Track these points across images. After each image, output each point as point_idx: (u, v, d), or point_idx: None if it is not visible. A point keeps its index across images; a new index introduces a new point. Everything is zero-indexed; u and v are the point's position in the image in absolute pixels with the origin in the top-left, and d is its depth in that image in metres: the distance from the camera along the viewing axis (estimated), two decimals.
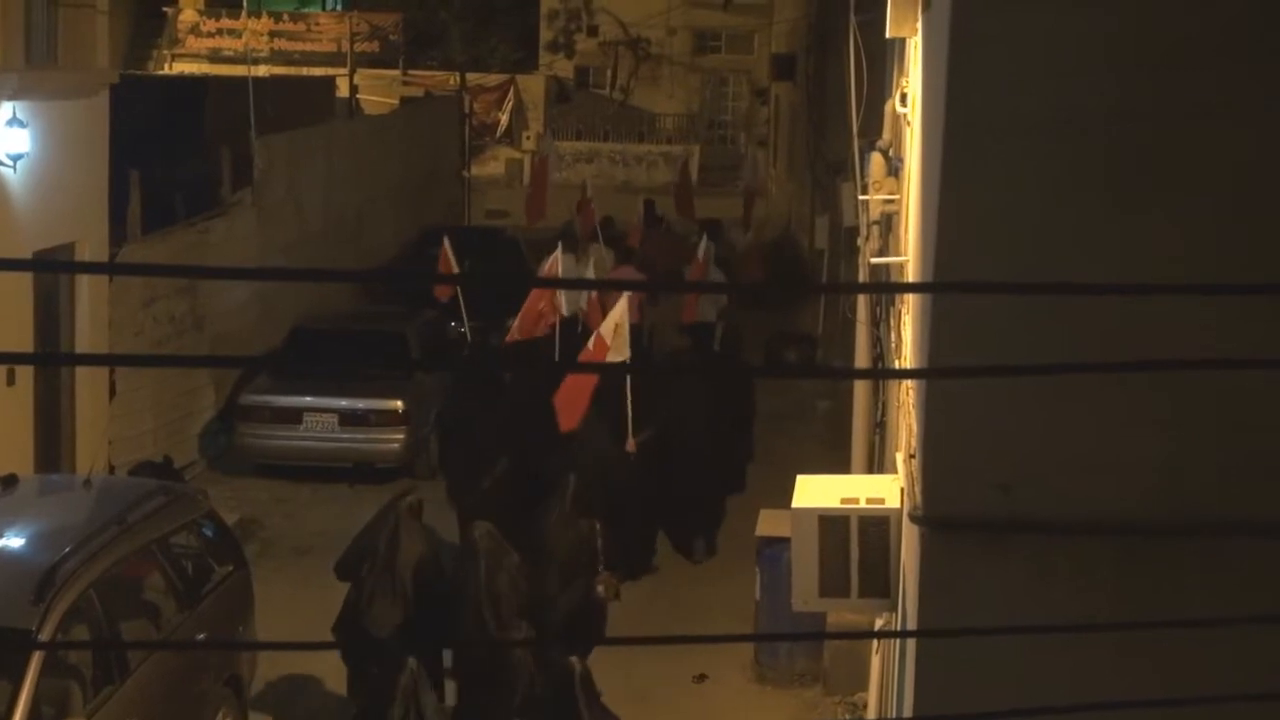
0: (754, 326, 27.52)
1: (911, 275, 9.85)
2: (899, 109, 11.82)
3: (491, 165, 53.93)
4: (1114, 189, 6.48)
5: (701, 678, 15.92)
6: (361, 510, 17.05)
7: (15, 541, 12.53)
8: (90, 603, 11.74)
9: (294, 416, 22.01)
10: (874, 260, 12.82)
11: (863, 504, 9.32)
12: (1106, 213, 6.49)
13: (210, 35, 50.72)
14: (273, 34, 50.54)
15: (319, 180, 29.62)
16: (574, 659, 12.73)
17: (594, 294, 21.83)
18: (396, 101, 48.21)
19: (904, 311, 10.51)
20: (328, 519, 20.30)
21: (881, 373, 14.24)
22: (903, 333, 10.52)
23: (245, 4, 40.58)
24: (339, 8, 55.04)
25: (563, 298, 21.43)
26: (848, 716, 15.24)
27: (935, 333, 6.72)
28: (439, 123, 41.45)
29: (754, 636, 16.40)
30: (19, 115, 17.91)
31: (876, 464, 14.18)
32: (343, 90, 44.33)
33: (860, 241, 14.09)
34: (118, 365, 20.68)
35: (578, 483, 15.75)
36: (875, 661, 13.40)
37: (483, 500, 17.51)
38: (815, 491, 9.64)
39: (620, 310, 18.06)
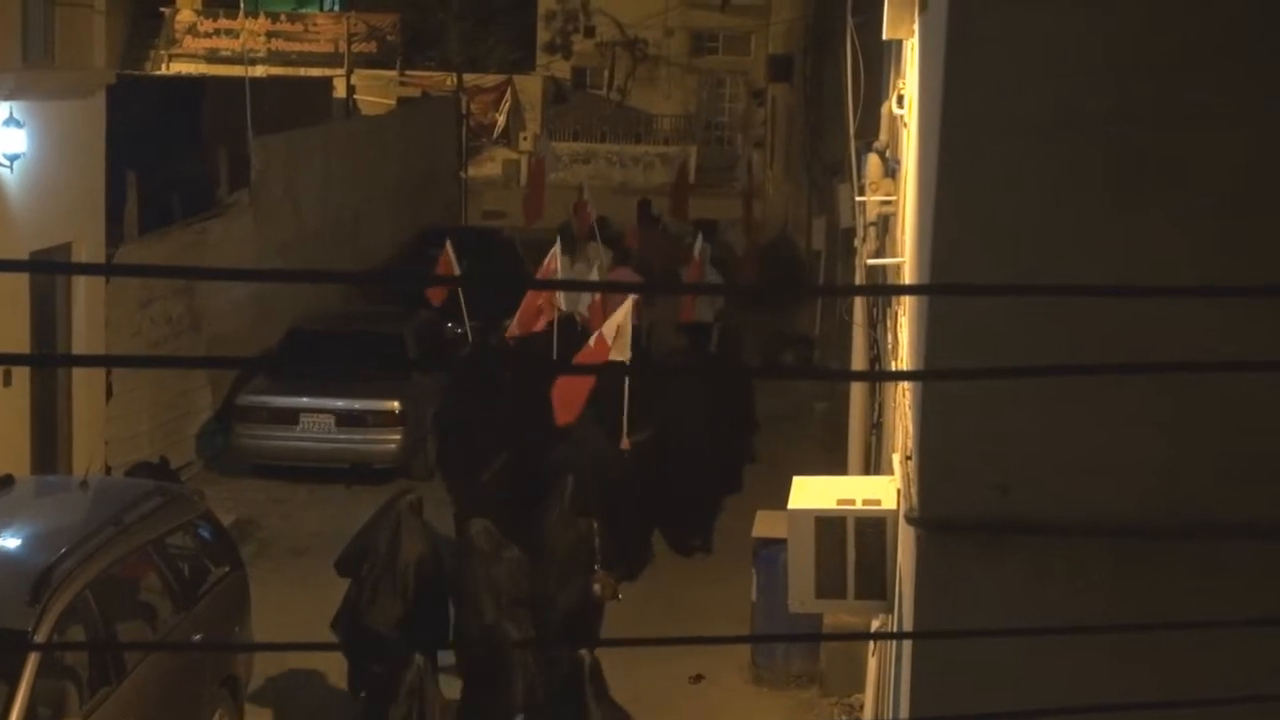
0: (751, 328, 27.53)
1: (908, 277, 9.85)
2: (896, 110, 11.83)
3: (489, 166, 53.91)
4: (1112, 190, 6.48)
5: (698, 678, 15.92)
6: (358, 511, 17.05)
7: (11, 542, 12.53)
8: (86, 604, 11.74)
9: (291, 417, 22.01)
10: (871, 261, 12.83)
11: (859, 505, 9.32)
12: (1104, 214, 6.49)
13: (207, 35, 50.70)
14: (270, 34, 50.54)
15: (316, 181, 29.62)
16: (583, 652, 12.85)
17: (597, 295, 21.85)
18: (394, 102, 48.19)
19: (901, 313, 10.51)
20: (324, 519, 20.30)
21: (879, 375, 14.24)
22: (899, 334, 10.52)
23: (242, 4, 40.59)
24: (336, 8, 55.02)
25: (561, 294, 21.47)
26: (844, 718, 15.24)
27: (932, 334, 6.71)
28: (436, 123, 41.45)
29: (750, 638, 16.40)
30: (15, 115, 17.89)
31: (873, 465, 14.18)
32: (340, 91, 44.31)
33: (857, 243, 14.09)
34: (114, 366, 20.65)
35: (576, 482, 15.78)
36: (872, 663, 13.40)
37: (481, 497, 17.55)
38: (812, 493, 9.64)
39: (624, 312, 18.13)
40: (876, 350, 13.63)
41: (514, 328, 21.25)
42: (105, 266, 17.62)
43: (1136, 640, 6.37)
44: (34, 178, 18.38)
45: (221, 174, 26.18)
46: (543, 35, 60.37)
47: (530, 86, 57.64)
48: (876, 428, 14.22)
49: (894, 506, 9.08)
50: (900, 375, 10.35)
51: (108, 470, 19.50)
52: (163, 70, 48.58)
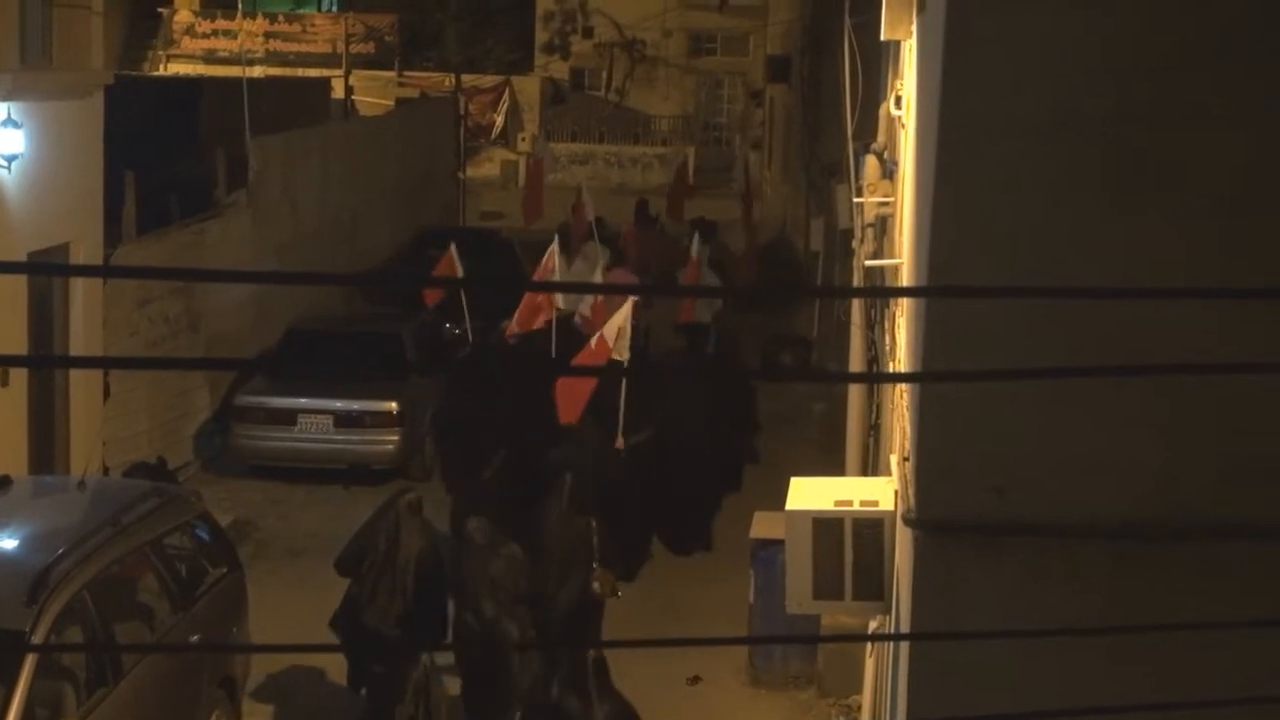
0: (749, 329, 27.52)
1: (906, 278, 9.85)
2: (894, 112, 11.82)
3: (487, 167, 53.92)
4: (1110, 191, 6.47)
5: (695, 680, 15.93)
6: (356, 512, 17.06)
7: (9, 543, 12.53)
8: (84, 604, 11.73)
9: (288, 418, 22.01)
10: (869, 263, 12.82)
11: (857, 506, 9.31)
12: (1102, 215, 6.48)
13: (205, 36, 50.70)
14: (268, 35, 50.55)
15: (314, 181, 29.62)
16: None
17: (598, 296, 21.89)
18: (392, 103, 48.19)
19: (899, 314, 10.50)
20: (322, 520, 20.30)
21: (875, 377, 14.24)
22: (897, 335, 10.52)
23: (240, 5, 40.56)
24: (334, 9, 55.01)
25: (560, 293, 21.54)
26: (842, 719, 15.24)
27: (929, 336, 6.71)
28: (434, 124, 41.46)
29: (748, 640, 16.41)
30: (13, 116, 17.89)
31: (871, 466, 14.18)
32: (338, 91, 44.32)
33: (855, 244, 14.09)
34: (112, 368, 20.65)
35: (574, 480, 15.82)
36: (869, 664, 13.40)
37: (480, 496, 17.58)
38: (809, 494, 9.64)
39: (624, 314, 18.19)
40: (874, 351, 13.63)
41: (513, 326, 21.32)
42: (102, 268, 17.61)
43: (1133, 642, 6.37)
44: (32, 178, 18.38)
45: (219, 174, 26.18)
46: (541, 36, 60.38)
47: (528, 87, 57.66)
48: (874, 429, 14.23)
49: (892, 508, 9.08)
50: (897, 377, 10.35)
51: (105, 471, 19.49)
52: (160, 71, 48.59)
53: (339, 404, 21.96)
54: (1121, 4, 6.43)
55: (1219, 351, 6.33)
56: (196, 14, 51.63)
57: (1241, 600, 6.49)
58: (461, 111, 44.42)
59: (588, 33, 60.09)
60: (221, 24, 49.96)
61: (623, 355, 17.78)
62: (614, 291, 17.62)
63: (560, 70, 60.43)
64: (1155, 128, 6.43)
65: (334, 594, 14.99)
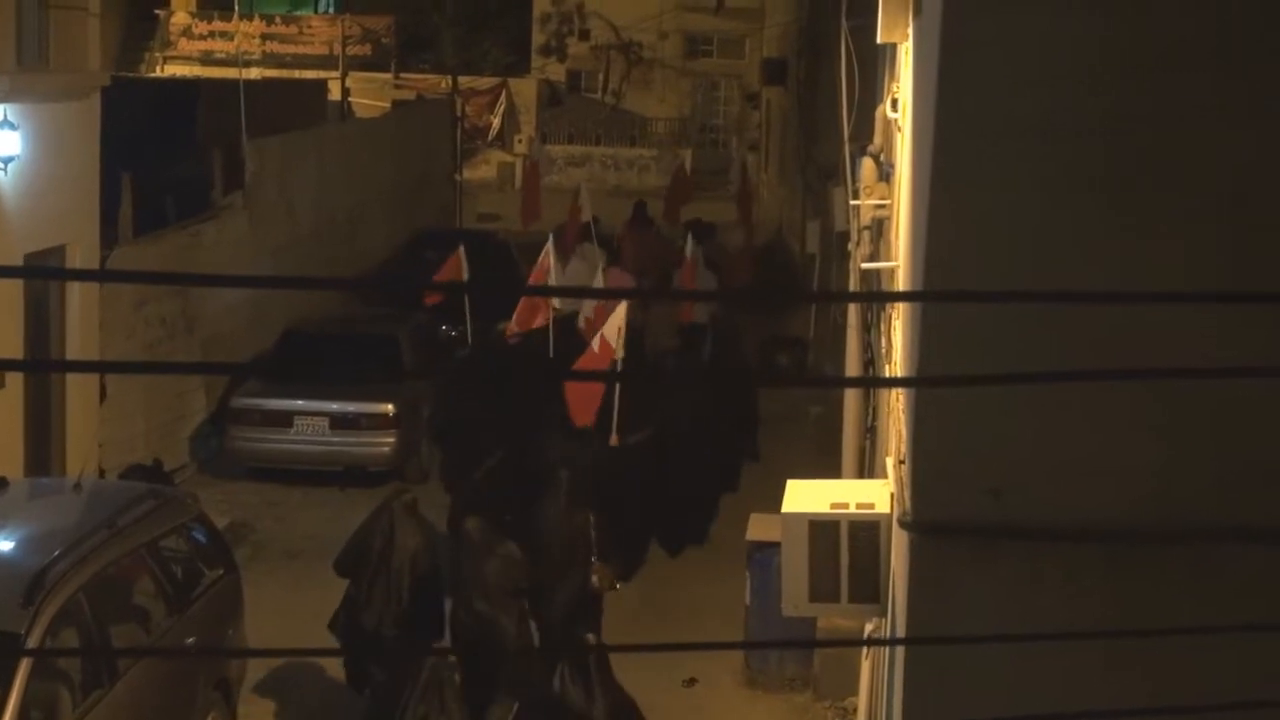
0: (746, 330, 27.53)
1: (902, 281, 9.85)
2: (890, 114, 11.82)
3: (483, 169, 53.91)
4: (1107, 194, 6.46)
5: (691, 682, 15.93)
6: (352, 514, 17.08)
7: (5, 545, 12.53)
8: (80, 606, 11.73)
9: (285, 420, 22.01)
10: (865, 265, 12.83)
11: (853, 509, 9.31)
12: (1099, 218, 6.47)
13: (202, 38, 50.70)
14: (264, 37, 50.56)
15: (311, 183, 29.62)
16: (590, 635, 13.24)
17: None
18: (388, 105, 48.20)
19: (895, 316, 10.51)
20: (319, 522, 20.30)
21: (871, 381, 14.25)
22: (894, 338, 10.52)
23: (237, 7, 40.54)
24: (331, 10, 55.01)
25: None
26: None
27: (925, 339, 6.70)
28: (431, 126, 41.45)
29: (742, 645, 16.43)
30: (10, 118, 17.89)
31: (867, 469, 14.18)
32: (334, 93, 44.29)
33: (851, 246, 14.10)
34: (107, 373, 20.67)
35: (571, 477, 15.94)
36: (865, 666, 13.40)
37: (477, 495, 17.64)
38: (805, 496, 9.64)
39: (621, 313, 18.28)
40: (871, 354, 13.63)
41: (512, 326, 21.42)
42: (98, 273, 17.60)
43: (1129, 645, 6.37)
44: (28, 180, 18.38)
45: (216, 176, 26.19)
46: (537, 38, 60.38)
47: (525, 89, 57.68)
48: (870, 431, 14.22)
49: (888, 510, 9.08)
50: (892, 382, 10.35)
51: (101, 473, 19.50)
52: (157, 73, 48.58)
53: (335, 406, 21.96)
54: (1118, 6, 6.42)
55: (1217, 355, 6.32)
56: (193, 16, 51.62)
57: (1238, 604, 6.49)
58: (458, 113, 44.42)
59: (584, 35, 60.10)
60: (218, 26, 49.97)
61: (619, 353, 17.92)
62: (614, 296, 17.67)
63: (557, 72, 60.42)
64: (1152, 130, 6.42)
65: (331, 595, 15.02)
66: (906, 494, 7.04)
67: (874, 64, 13.91)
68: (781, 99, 45.40)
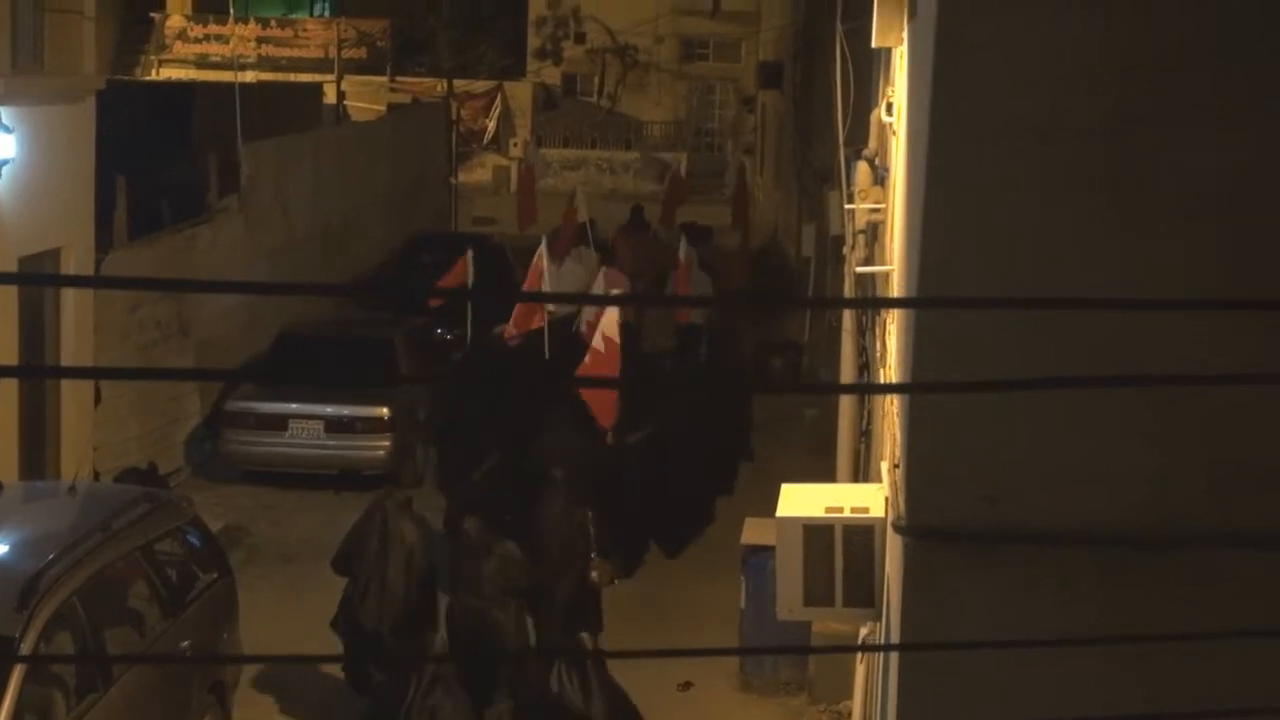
0: (742, 332, 27.56)
1: (897, 284, 9.85)
2: (885, 118, 11.83)
3: (479, 172, 53.91)
4: (1102, 197, 6.45)
5: (687, 685, 15.92)
6: (347, 517, 17.06)
7: None
8: (74, 610, 11.71)
9: (279, 423, 21.99)
10: (860, 269, 12.83)
11: (847, 513, 9.31)
12: (1095, 221, 6.46)
13: (197, 41, 50.74)
14: (260, 40, 50.60)
15: (306, 186, 29.61)
16: (584, 635, 13.30)
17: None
18: (384, 108, 48.24)
19: (890, 320, 10.51)
20: (314, 526, 20.29)
21: (865, 388, 14.27)
22: (889, 342, 10.53)
23: (232, 10, 40.55)
24: (327, 14, 55.04)
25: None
26: None
27: (919, 344, 6.70)
28: (426, 129, 41.46)
29: (736, 650, 16.43)
30: (5, 121, 17.86)
31: (862, 472, 14.18)
32: (330, 97, 44.31)
33: (846, 250, 14.10)
34: (102, 379, 20.61)
35: (568, 476, 16.06)
36: (860, 670, 13.40)
37: (473, 496, 17.70)
38: (800, 500, 9.64)
39: (615, 311, 18.42)
40: (865, 358, 13.63)
41: (510, 329, 21.47)
42: (92, 278, 17.58)
43: (1125, 650, 6.36)
44: (23, 183, 18.36)
45: (211, 179, 26.16)
46: (533, 41, 60.37)
47: (520, 93, 57.67)
48: (865, 435, 14.23)
49: (882, 515, 9.08)
50: (886, 388, 10.35)
51: (96, 476, 19.48)
52: (153, 76, 48.63)
53: (330, 409, 21.95)
54: (1113, 7, 6.40)
55: (1211, 361, 6.31)
56: (189, 19, 51.66)
57: (1233, 609, 6.48)
58: (453, 117, 44.45)
59: (580, 38, 60.10)
60: (214, 29, 50.00)
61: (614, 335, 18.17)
62: (612, 303, 17.75)
63: (552, 76, 60.43)
64: (1147, 132, 6.40)
65: (326, 598, 15.04)
66: (901, 498, 7.04)
67: (869, 68, 13.92)
68: (777, 103, 45.40)
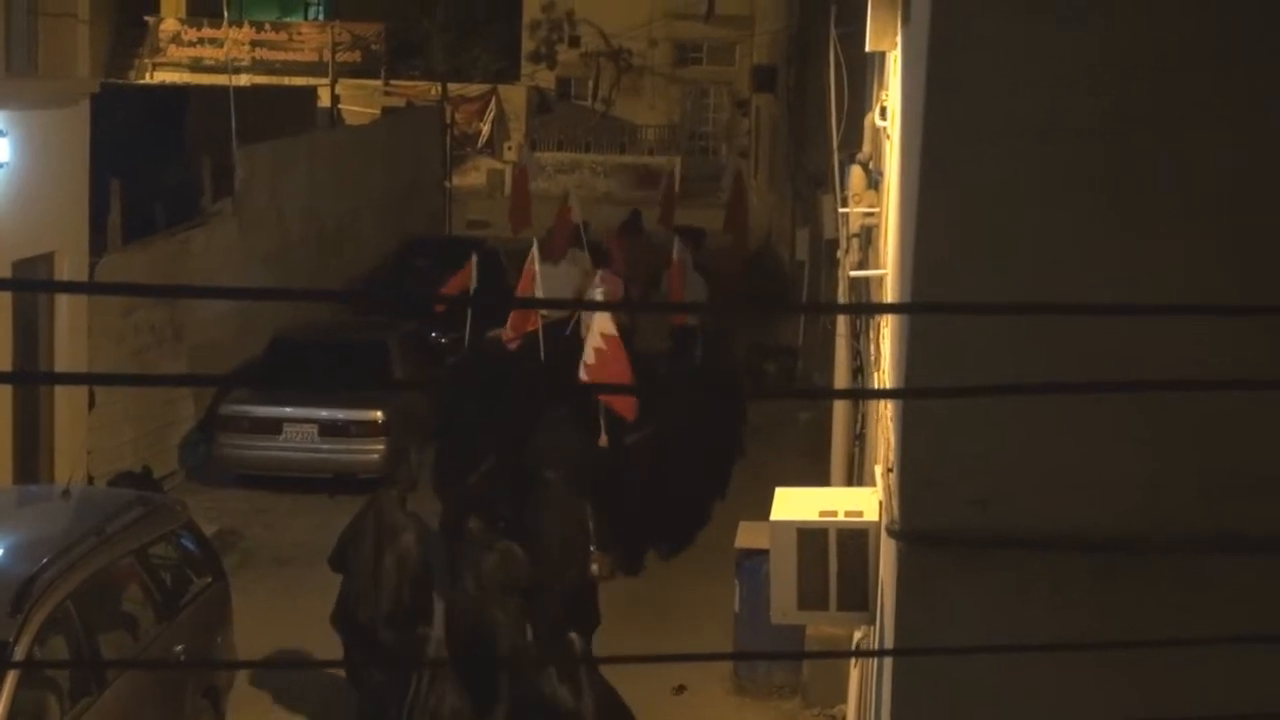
0: (736, 334, 27.60)
1: (891, 288, 9.86)
2: (879, 122, 11.84)
3: (473, 175, 53.93)
4: (1098, 200, 6.45)
5: (681, 689, 15.93)
6: (341, 521, 17.06)
7: None
8: (68, 614, 11.71)
9: (273, 427, 22.00)
10: (854, 273, 12.84)
11: (841, 517, 9.31)
12: (1090, 224, 6.45)
13: (191, 44, 50.76)
14: (254, 43, 50.63)
15: (300, 190, 29.61)
16: (574, 635, 13.34)
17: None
18: (378, 111, 48.23)
19: (884, 324, 10.52)
20: (308, 529, 20.29)
21: (859, 393, 14.27)
22: (882, 346, 10.53)
23: (227, 13, 40.56)
24: (321, 17, 55.05)
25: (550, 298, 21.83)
26: None
27: (911, 349, 6.70)
28: (420, 133, 41.46)
29: (730, 655, 16.45)
30: None
31: (856, 476, 14.19)
32: (324, 100, 44.33)
33: (840, 254, 14.11)
34: (96, 385, 20.62)
35: (566, 475, 16.13)
36: (854, 674, 13.40)
37: (470, 498, 17.74)
38: (794, 504, 9.64)
39: (606, 314, 18.55)
40: (859, 362, 13.64)
41: (508, 332, 21.51)
42: (86, 285, 17.48)
43: (1117, 656, 6.36)
44: (17, 187, 18.36)
45: (206, 183, 26.16)
46: (527, 45, 60.40)
47: (515, 96, 57.72)
48: (859, 439, 14.24)
49: (876, 518, 9.08)
50: (879, 394, 10.35)
51: (90, 480, 19.48)
52: (147, 79, 48.65)
53: (324, 413, 21.95)
54: (1108, 10, 6.39)
55: (1207, 364, 6.31)
56: (183, 22, 51.67)
57: (1226, 613, 6.48)
58: (448, 120, 44.43)
59: (574, 42, 60.12)
60: (208, 32, 50.00)
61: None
62: (608, 309, 17.81)
63: (546, 79, 60.45)
64: (1143, 135, 6.39)
65: (320, 601, 15.07)
66: (894, 503, 7.04)
67: (863, 72, 13.93)
68: (771, 106, 45.45)
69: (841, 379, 14.99)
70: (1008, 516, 6.53)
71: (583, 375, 17.79)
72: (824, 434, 16.76)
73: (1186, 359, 6.29)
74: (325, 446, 21.97)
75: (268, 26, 51.83)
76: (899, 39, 9.36)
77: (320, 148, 32.57)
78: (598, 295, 19.41)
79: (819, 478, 15.67)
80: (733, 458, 22.11)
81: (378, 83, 52.41)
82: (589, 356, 18.24)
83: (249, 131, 27.29)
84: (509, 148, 54.62)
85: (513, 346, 21.67)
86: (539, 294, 21.60)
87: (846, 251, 13.59)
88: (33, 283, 20.66)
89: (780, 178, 40.58)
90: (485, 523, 15.15)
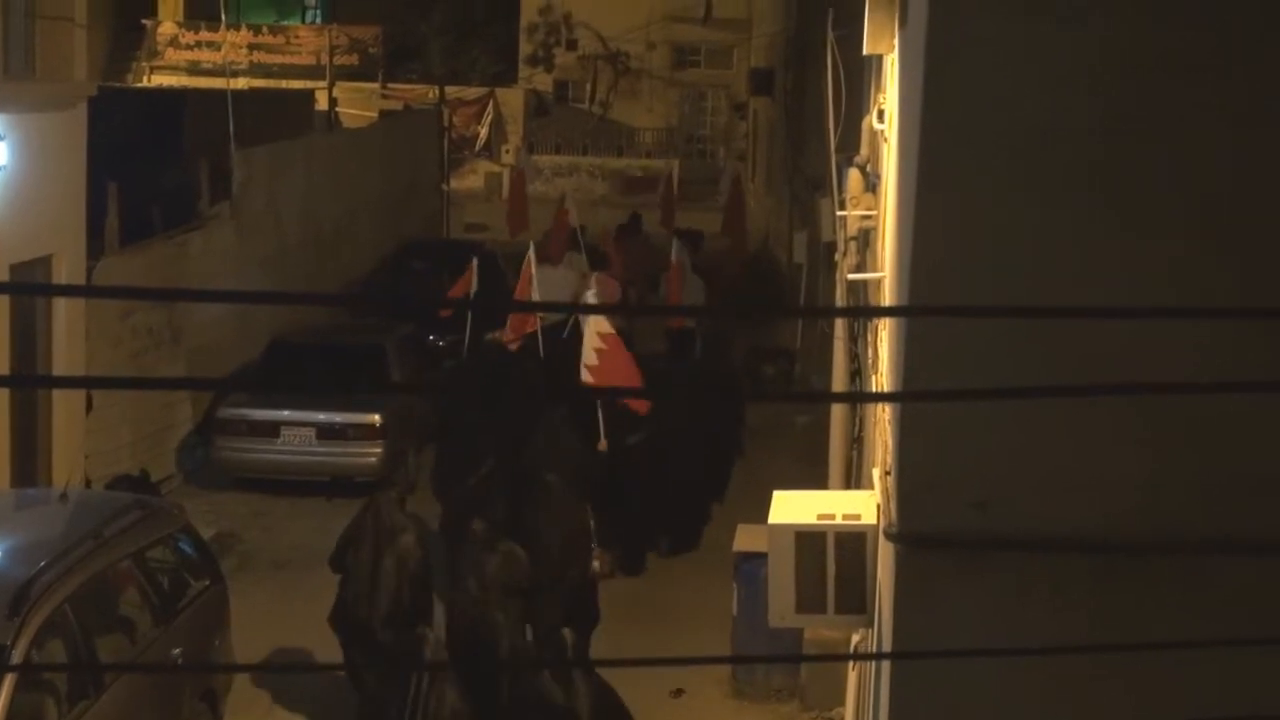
0: (734, 336, 27.60)
1: (888, 291, 9.85)
2: (876, 125, 11.84)
3: (471, 179, 53.92)
4: (1095, 203, 6.45)
5: (678, 692, 15.92)
6: (339, 524, 17.07)
7: None
8: (65, 617, 11.70)
9: (271, 430, 21.98)
10: (851, 276, 12.84)
11: (839, 520, 9.30)
12: (1087, 227, 6.45)
13: (189, 48, 50.72)
14: (252, 46, 50.59)
15: (298, 193, 29.59)
16: (566, 631, 13.30)
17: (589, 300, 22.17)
18: (375, 114, 48.20)
19: (881, 327, 10.51)
20: (306, 532, 20.28)
21: (856, 396, 14.27)
22: (880, 349, 10.53)
23: (224, 16, 40.53)
24: (318, 20, 55.05)
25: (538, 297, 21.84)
26: None
27: (910, 352, 6.69)
28: (418, 136, 41.44)
29: (727, 659, 16.44)
30: None
31: (854, 479, 14.19)
32: (322, 103, 44.30)
33: (838, 257, 14.11)
34: (94, 388, 20.62)
35: (565, 477, 16.14)
36: (852, 677, 13.39)
37: (471, 500, 17.75)
38: (792, 507, 9.63)
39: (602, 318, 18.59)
40: (857, 364, 13.63)
41: (508, 333, 21.52)
42: (83, 288, 17.54)
43: (1116, 657, 6.36)
44: (14, 190, 18.35)
45: (203, 186, 26.14)
46: (525, 48, 60.39)
47: (512, 99, 57.70)
48: (857, 442, 14.23)
49: (874, 521, 9.07)
50: (876, 397, 10.35)
51: (87, 483, 19.46)
52: (144, 82, 48.61)
53: (322, 416, 21.93)
54: (1105, 14, 6.39)
55: (1204, 366, 6.31)
56: (180, 25, 51.64)
57: (1225, 615, 6.48)
58: (445, 123, 44.42)
59: (571, 45, 60.12)
60: (205, 35, 49.97)
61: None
62: (597, 312, 17.78)
63: (544, 82, 60.44)
64: (1143, 135, 6.39)
65: (318, 605, 15.07)
66: (892, 505, 7.04)
67: (861, 75, 13.93)
68: (769, 109, 45.46)
69: (839, 382, 14.99)
70: (1007, 518, 6.52)
71: (586, 377, 17.75)
72: (822, 437, 16.76)
73: (1186, 361, 6.28)
74: (323, 449, 21.95)
75: (265, 30, 51.80)
76: (896, 41, 9.36)
77: (318, 151, 32.55)
78: (590, 298, 19.40)
79: (817, 481, 15.66)
80: (732, 459, 22.13)
81: (375, 86, 52.39)
82: (590, 358, 18.21)
83: (246, 135, 27.27)
84: (507, 151, 54.60)
85: (514, 347, 21.70)
86: (536, 297, 21.60)
87: (844, 254, 13.58)
88: (30, 286, 20.65)
89: (778, 180, 40.59)
90: (486, 522, 15.18)
